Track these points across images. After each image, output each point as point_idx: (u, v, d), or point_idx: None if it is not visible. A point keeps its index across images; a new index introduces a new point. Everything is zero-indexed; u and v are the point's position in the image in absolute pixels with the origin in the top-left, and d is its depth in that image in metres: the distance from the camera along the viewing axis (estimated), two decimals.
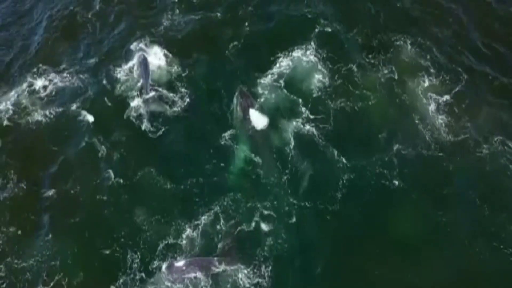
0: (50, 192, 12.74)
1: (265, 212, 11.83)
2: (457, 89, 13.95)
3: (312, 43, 15.08)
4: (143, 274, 11.08)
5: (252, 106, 13.31)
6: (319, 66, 14.52)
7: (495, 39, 15.39)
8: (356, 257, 11.19)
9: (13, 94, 14.97)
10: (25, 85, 15.09)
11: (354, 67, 14.56)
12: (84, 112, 14.25)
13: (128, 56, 15.47)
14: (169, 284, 10.73)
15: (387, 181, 12.23)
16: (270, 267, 11.01)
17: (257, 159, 12.86)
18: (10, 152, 13.65)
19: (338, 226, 11.71)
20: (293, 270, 11.09)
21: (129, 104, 14.16)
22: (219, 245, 11.35)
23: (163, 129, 13.66)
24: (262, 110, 13.43)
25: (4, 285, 11.27)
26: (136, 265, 11.20)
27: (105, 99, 14.50)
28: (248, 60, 15.20)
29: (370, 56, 14.88)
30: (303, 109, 13.62)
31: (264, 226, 11.61)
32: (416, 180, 12.25)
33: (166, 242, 11.51)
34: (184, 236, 11.55)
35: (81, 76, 15.28)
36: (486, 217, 11.53)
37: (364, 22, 15.91)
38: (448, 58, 14.77)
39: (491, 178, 12.21)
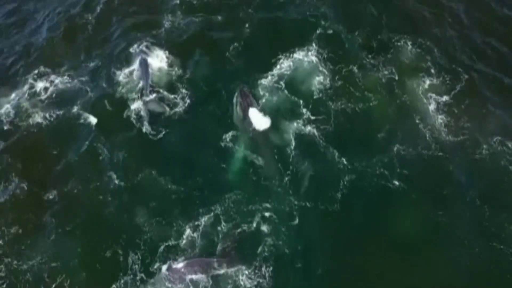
0: (52, 194, 12.75)
1: (266, 213, 11.81)
2: (457, 89, 13.99)
3: (313, 44, 15.14)
4: (144, 275, 11.07)
5: (252, 106, 13.28)
6: (320, 67, 14.56)
7: (495, 39, 15.48)
8: (357, 257, 11.16)
9: (14, 96, 15.06)
10: (26, 87, 15.17)
11: (355, 68, 14.61)
12: (86, 114, 14.29)
13: (129, 58, 15.54)
14: (169, 285, 10.70)
15: (388, 182, 12.22)
16: (270, 268, 10.99)
17: (258, 160, 12.87)
18: (12, 154, 13.65)
19: (339, 227, 11.70)
20: (293, 271, 11.06)
21: (130, 106, 14.18)
22: (220, 246, 11.33)
23: (164, 131, 13.67)
24: (262, 110, 13.40)
25: (5, 285, 11.28)
26: (137, 265, 11.20)
27: (106, 101, 14.54)
28: (249, 61, 15.24)
29: (370, 56, 14.97)
30: (304, 110, 13.65)
31: (264, 227, 11.59)
32: (417, 180, 12.24)
33: (167, 243, 11.49)
34: (184, 237, 11.54)
35: (82, 78, 15.33)
36: (486, 217, 11.52)
37: (365, 23, 15.98)
38: (449, 59, 14.82)
39: (491, 178, 12.22)
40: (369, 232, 11.59)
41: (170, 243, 11.51)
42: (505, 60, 14.86)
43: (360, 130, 13.45)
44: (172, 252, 11.37)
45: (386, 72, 14.50)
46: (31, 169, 13.32)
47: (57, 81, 15.20)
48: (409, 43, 15.22)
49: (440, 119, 13.33)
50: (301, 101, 13.85)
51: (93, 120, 14.13)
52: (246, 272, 10.95)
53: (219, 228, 11.66)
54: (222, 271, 10.92)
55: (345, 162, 12.58)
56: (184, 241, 11.49)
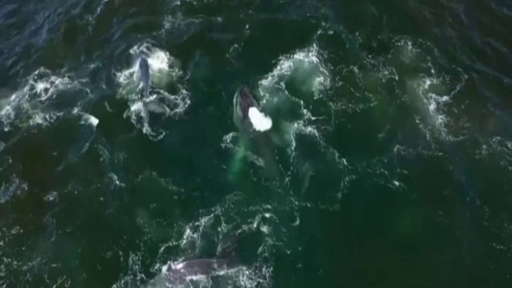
0: (52, 195, 12.77)
1: (266, 213, 11.81)
2: (457, 89, 13.99)
3: (313, 45, 15.14)
4: (144, 276, 11.07)
5: (253, 106, 13.28)
6: (320, 68, 14.56)
7: (496, 39, 15.48)
8: (357, 258, 11.16)
9: (15, 97, 15.09)
10: (26, 88, 15.20)
11: (355, 68, 14.60)
12: (86, 115, 14.30)
13: (129, 59, 15.56)
14: (170, 285, 10.68)
15: (388, 182, 12.22)
16: (271, 268, 10.99)
17: (258, 161, 12.88)
18: (13, 155, 13.66)
19: (339, 227, 11.71)
20: (294, 271, 11.05)
21: (130, 107, 14.19)
22: (220, 247, 11.32)
23: (164, 132, 13.67)
24: (263, 110, 13.40)
25: (5, 286, 11.30)
26: (137, 266, 11.21)
27: (107, 102, 14.56)
28: (249, 62, 15.24)
29: (371, 57, 14.97)
30: (304, 110, 13.65)
31: (265, 227, 11.58)
32: (417, 180, 12.24)
33: (167, 243, 11.50)
34: (185, 237, 11.54)
35: (82, 79, 15.34)
36: (486, 217, 11.51)
37: (365, 24, 15.99)
38: (449, 59, 14.83)
39: (491, 178, 12.21)
40: (369, 232, 11.59)
41: (171, 244, 11.51)
42: (505, 60, 14.86)
43: (360, 130, 13.44)
44: (172, 253, 11.37)
45: (386, 72, 14.51)
46: (32, 170, 13.34)
47: (57, 82, 15.21)
48: (409, 43, 15.22)
49: (440, 119, 13.33)
50: (302, 102, 13.85)
51: (94, 121, 14.14)
52: (247, 272, 10.95)
53: (219, 228, 11.66)
54: (222, 272, 10.93)
55: (345, 163, 12.57)
56: (184, 242, 11.49)
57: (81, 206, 12.57)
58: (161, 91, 14.48)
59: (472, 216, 11.60)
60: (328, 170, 12.59)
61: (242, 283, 10.82)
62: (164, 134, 13.64)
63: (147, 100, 14.17)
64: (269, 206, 11.97)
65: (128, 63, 15.44)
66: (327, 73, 14.43)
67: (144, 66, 14.78)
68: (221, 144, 13.21)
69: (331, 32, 15.66)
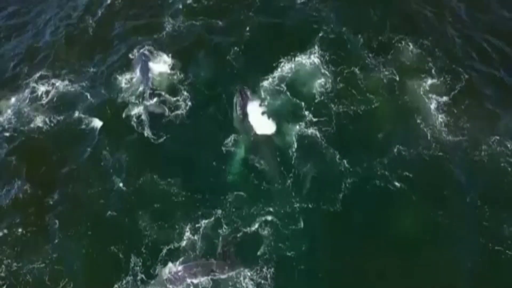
0: (54, 197, 12.80)
1: (267, 215, 11.82)
2: (458, 89, 14.03)
3: (315, 46, 15.19)
4: (145, 278, 11.08)
5: (252, 106, 13.36)
6: (322, 69, 14.60)
7: (496, 39, 15.50)
8: (358, 258, 11.15)
9: (17, 100, 15.13)
10: (28, 91, 15.24)
11: (357, 69, 14.64)
12: (89, 118, 14.31)
13: (130, 62, 15.58)
14: (170, 287, 10.73)
15: (389, 182, 12.22)
16: (272, 269, 10.99)
17: (259, 162, 12.90)
18: (15, 157, 13.69)
19: (340, 228, 11.72)
20: (295, 272, 11.05)
21: (131, 110, 14.22)
22: (221, 249, 11.33)
23: (165, 134, 13.69)
24: (264, 112, 13.42)
25: (5, 287, 11.34)
26: (138, 267, 11.21)
27: (108, 105, 14.60)
28: (250, 64, 15.27)
29: (372, 58, 14.96)
30: (306, 112, 13.68)
31: (266, 229, 11.59)
32: (418, 181, 12.24)
33: (169, 246, 11.51)
34: (186, 239, 11.55)
35: (83, 82, 15.37)
36: (486, 217, 11.52)
37: (366, 25, 16.02)
38: (449, 59, 14.85)
39: (491, 178, 12.22)
40: (370, 232, 11.59)
41: (172, 246, 11.52)
42: (506, 60, 14.87)
43: (361, 131, 13.46)
44: (173, 255, 11.38)
45: (387, 73, 14.55)
46: (34, 172, 13.35)
47: (59, 84, 15.23)
48: (410, 43, 15.25)
49: (441, 119, 13.34)
50: (303, 103, 13.88)
51: (98, 123, 14.18)
52: (248, 273, 10.95)
53: (220, 230, 11.67)
54: (223, 274, 10.94)
55: (346, 164, 12.59)
56: (185, 244, 11.51)
57: (83, 208, 12.59)
58: (162, 93, 14.51)
59: (472, 216, 11.61)
60: (329, 171, 12.60)
61: (244, 285, 10.82)
62: (165, 136, 13.66)
63: (148, 103, 14.22)
64: (270, 208, 11.97)
65: (129, 66, 15.45)
66: (328, 75, 14.47)
67: (145, 69, 14.83)
68: (222, 146, 13.24)
69: (332, 34, 15.68)
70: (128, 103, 14.43)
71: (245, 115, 13.30)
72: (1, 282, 11.35)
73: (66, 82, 15.34)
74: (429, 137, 13.02)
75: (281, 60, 14.95)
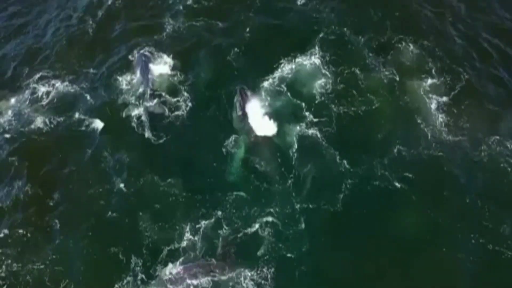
0: (55, 197, 12.83)
1: (268, 215, 11.84)
2: (458, 89, 14.03)
3: (315, 47, 15.21)
4: (146, 278, 11.09)
5: (252, 107, 13.34)
6: (322, 70, 14.62)
7: (497, 39, 15.51)
8: (358, 258, 11.19)
9: (18, 101, 15.15)
10: (28, 92, 15.26)
11: (357, 70, 14.65)
12: (90, 119, 14.33)
13: (130, 63, 15.59)
14: (171, 287, 10.75)
15: (389, 183, 12.25)
16: (272, 269, 11.01)
17: (259, 163, 12.92)
18: (16, 158, 13.69)
19: (341, 228, 11.74)
20: (295, 272, 11.05)
21: (131, 111, 14.24)
22: (221, 249, 11.36)
23: (165, 135, 13.71)
24: (263, 110, 13.43)
25: (5, 287, 11.35)
26: (138, 268, 11.23)
27: (108, 106, 14.61)
28: (251, 65, 15.29)
29: (372, 58, 14.98)
30: (306, 113, 13.69)
31: (266, 229, 11.60)
32: (418, 181, 12.27)
33: (169, 246, 11.54)
34: (186, 240, 11.57)
35: (84, 83, 15.40)
36: (486, 217, 11.54)
37: (366, 25, 16.04)
38: (450, 59, 14.88)
39: (491, 178, 12.25)
40: (370, 233, 11.59)
41: (172, 246, 11.55)
42: (506, 60, 14.89)
43: (362, 131, 13.49)
44: (173, 255, 11.40)
45: (387, 73, 14.59)
46: (35, 173, 13.35)
47: (59, 86, 15.24)
48: (410, 44, 15.27)
49: (441, 119, 13.36)
50: (303, 104, 13.90)
51: (99, 124, 14.20)
52: (248, 274, 10.95)
53: (220, 231, 11.69)
54: (223, 274, 10.94)
55: (347, 164, 12.62)
56: (185, 244, 11.53)
57: (84, 209, 12.59)
58: (163, 94, 14.53)
59: (472, 216, 11.64)
60: (329, 172, 12.62)
61: (244, 285, 10.82)
62: (165, 137, 13.68)
63: (148, 104, 14.23)
64: (270, 208, 11.99)
65: (129, 67, 15.46)
66: (328, 75, 14.48)
67: (145, 70, 14.83)
68: (222, 146, 13.25)
69: (332, 34, 15.71)
70: (128, 104, 14.45)
71: (245, 115, 13.31)
72: (2, 283, 11.36)
73: (67, 83, 15.35)
74: (429, 137, 13.04)
75: (282, 60, 14.96)
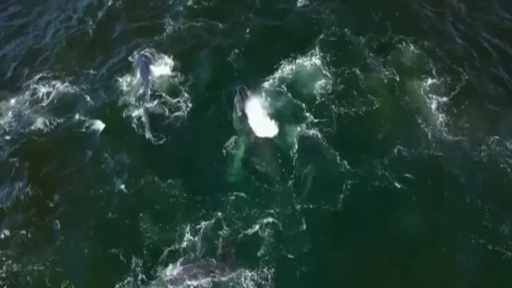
0: (55, 199, 12.83)
1: (268, 216, 11.86)
2: (458, 89, 14.07)
3: (316, 47, 15.25)
4: (146, 279, 11.10)
5: (253, 107, 13.33)
6: (323, 70, 14.63)
7: (497, 39, 15.50)
8: (359, 259, 11.21)
9: (18, 102, 15.14)
10: (28, 93, 15.25)
11: (357, 70, 14.67)
12: (91, 120, 14.32)
13: (130, 64, 15.58)
14: (171, 287, 10.78)
15: (390, 183, 12.30)
16: (273, 269, 11.03)
17: (260, 163, 12.93)
18: (16, 159, 13.69)
19: (341, 228, 11.75)
20: (296, 273, 11.06)
21: (131, 112, 14.27)
22: (221, 250, 11.37)
23: (166, 136, 13.73)
24: (263, 111, 13.41)
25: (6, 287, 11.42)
26: (139, 268, 11.25)
27: (108, 107, 14.62)
28: (251, 65, 15.30)
29: (373, 58, 14.99)
30: (307, 113, 13.70)
31: (267, 230, 11.62)
32: (418, 181, 12.30)
33: (169, 247, 11.55)
34: (186, 241, 11.59)
35: (84, 84, 15.39)
36: (486, 217, 11.57)
37: (367, 26, 16.07)
38: (450, 59, 14.93)
39: (491, 179, 12.27)
40: (371, 233, 11.62)
41: (173, 247, 11.56)
42: (506, 60, 14.91)
43: (362, 131, 13.51)
44: (174, 256, 11.40)
45: (387, 73, 14.60)
46: (36, 174, 13.35)
47: (59, 86, 15.23)
48: (410, 44, 15.27)
49: (441, 119, 13.40)
50: (304, 104, 13.92)
51: (100, 125, 14.19)
52: (249, 275, 10.96)
53: (220, 232, 11.70)
54: (223, 275, 10.95)
55: (347, 165, 12.65)
56: (186, 245, 11.54)
57: (84, 209, 12.60)
58: (163, 95, 14.54)
59: (472, 216, 11.65)
60: (330, 172, 12.63)
61: (244, 285, 10.84)
62: (166, 138, 13.70)
63: (149, 105, 14.24)
64: (270, 209, 12.00)
65: (130, 68, 15.46)
66: (329, 76, 14.50)
67: (145, 71, 14.85)
68: (222, 147, 13.25)
69: (332, 35, 15.73)
70: (128, 105, 14.47)
71: (245, 116, 13.31)
72: (2, 283, 11.37)
73: (67, 84, 15.33)
74: (429, 137, 13.06)
75: (282, 61, 14.98)
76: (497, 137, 12.84)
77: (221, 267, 11.00)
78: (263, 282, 10.86)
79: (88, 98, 14.92)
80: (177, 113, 14.16)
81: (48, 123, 14.31)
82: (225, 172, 12.88)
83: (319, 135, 13.18)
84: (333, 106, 13.81)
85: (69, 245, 11.95)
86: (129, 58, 15.75)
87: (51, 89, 15.20)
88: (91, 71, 15.80)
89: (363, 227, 11.73)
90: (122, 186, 12.79)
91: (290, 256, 11.27)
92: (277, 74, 14.69)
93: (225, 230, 11.68)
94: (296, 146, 13.03)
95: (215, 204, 12.19)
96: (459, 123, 13.27)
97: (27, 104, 14.96)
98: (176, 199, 12.44)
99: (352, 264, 11.19)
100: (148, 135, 13.74)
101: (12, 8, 19.03)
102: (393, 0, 17.07)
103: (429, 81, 14.28)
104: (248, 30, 16.17)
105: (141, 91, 14.59)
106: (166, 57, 15.57)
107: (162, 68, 15.27)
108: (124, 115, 14.24)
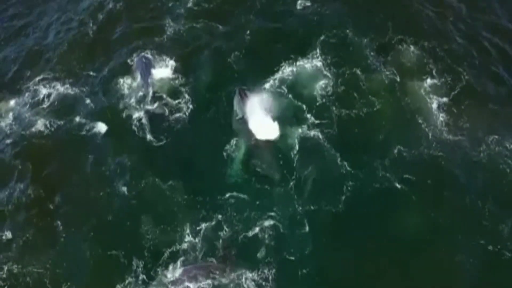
0: (56, 200, 12.82)
1: (269, 217, 11.85)
2: (459, 89, 14.03)
3: (316, 49, 15.20)
4: (147, 280, 11.12)
5: (253, 108, 13.29)
6: (323, 71, 14.61)
7: (497, 39, 15.49)
8: (359, 259, 11.20)
9: (17, 103, 15.16)
10: (28, 94, 15.25)
11: (358, 71, 14.63)
12: (91, 123, 14.30)
13: (131, 66, 15.56)
14: None
15: (391, 184, 12.27)
16: (273, 270, 11.02)
17: (260, 165, 12.95)
18: (17, 161, 13.70)
19: (342, 229, 11.75)
20: (296, 274, 11.05)
21: (133, 114, 14.26)
22: (222, 251, 11.39)
23: (166, 138, 13.72)
24: (263, 113, 13.35)
25: None
26: (140, 270, 11.24)
27: (109, 109, 14.60)
28: (252, 67, 15.28)
29: (373, 59, 14.97)
30: (307, 114, 13.69)
31: (267, 231, 11.61)
32: (418, 182, 12.26)
33: (170, 248, 11.54)
34: (187, 242, 11.59)
35: (84, 87, 15.34)
36: (486, 217, 11.54)
37: (367, 26, 16.02)
38: (451, 59, 14.88)
39: (492, 179, 12.26)
40: (371, 234, 11.60)
41: (173, 249, 11.55)
42: (507, 60, 14.90)
43: (363, 132, 13.47)
44: (174, 257, 11.40)
45: (388, 73, 14.57)
46: (37, 176, 13.35)
47: (60, 88, 15.22)
48: (411, 44, 15.26)
49: (442, 119, 13.38)
50: (304, 106, 13.89)
51: (102, 127, 14.18)
52: (249, 276, 10.96)
53: (221, 233, 11.70)
54: (224, 276, 10.95)
55: (348, 166, 12.62)
56: (186, 247, 11.54)
57: (85, 211, 12.61)
58: (164, 97, 14.53)
59: (472, 216, 11.64)
60: (330, 174, 12.61)
61: (245, 286, 10.82)
62: (166, 140, 13.70)
63: (149, 106, 14.25)
64: (271, 210, 12.00)
65: (130, 70, 15.44)
66: (329, 77, 14.47)
67: (146, 73, 14.84)
68: (223, 149, 13.24)
69: (333, 36, 15.68)
70: (129, 107, 14.45)
71: (245, 118, 13.27)
72: (3, 284, 11.38)
73: (67, 85, 15.30)
74: (430, 138, 13.05)
75: (282, 63, 14.96)
76: (497, 137, 12.81)
77: (222, 268, 11.00)
78: (263, 283, 10.86)
79: (89, 100, 14.89)
80: (177, 115, 14.15)
81: (48, 125, 14.30)
82: (225, 174, 12.88)
83: (320, 136, 13.16)
84: (334, 107, 13.79)
85: (70, 246, 11.96)
86: (130, 60, 15.73)
87: (51, 91, 15.18)
88: (92, 73, 15.76)
89: (364, 227, 11.71)
90: (123, 188, 12.78)
91: (290, 257, 11.26)
92: (278, 76, 14.67)
93: (226, 231, 11.68)
94: (297, 147, 13.00)
95: (216, 205, 12.19)
96: (459, 123, 13.26)
97: (28, 106, 14.96)
98: (177, 201, 12.44)
99: (352, 264, 11.19)
100: (148, 136, 13.75)
101: (13, 9, 19.02)
102: (393, 1, 17.02)
103: (430, 81, 14.26)
104: (248, 32, 16.14)
105: (141, 92, 14.60)
106: (166, 59, 15.54)
107: (163, 70, 15.27)
108: (124, 116, 14.23)
